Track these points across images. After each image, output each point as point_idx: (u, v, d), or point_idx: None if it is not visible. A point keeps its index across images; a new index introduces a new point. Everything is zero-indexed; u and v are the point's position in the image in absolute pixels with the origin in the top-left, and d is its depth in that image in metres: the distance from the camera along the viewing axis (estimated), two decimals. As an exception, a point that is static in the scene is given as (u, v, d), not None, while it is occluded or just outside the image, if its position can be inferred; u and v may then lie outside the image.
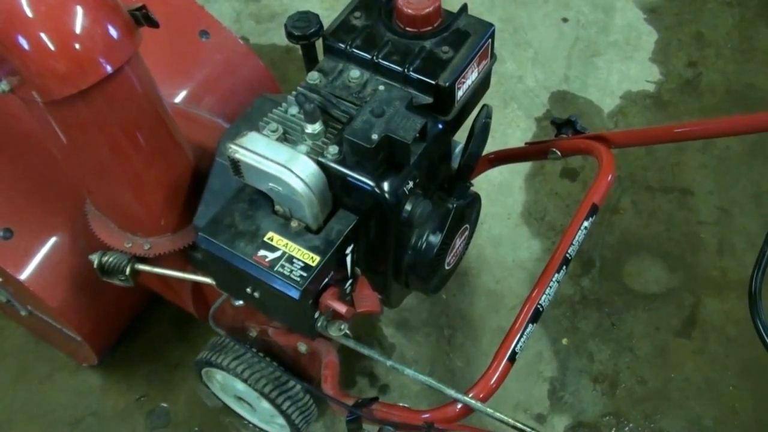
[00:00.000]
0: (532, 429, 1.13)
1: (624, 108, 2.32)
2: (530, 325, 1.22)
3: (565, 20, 2.54)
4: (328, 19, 1.22)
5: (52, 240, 1.53)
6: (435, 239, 1.24)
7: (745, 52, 2.44)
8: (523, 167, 2.20)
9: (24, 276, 1.49)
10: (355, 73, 1.20)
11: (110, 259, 1.38)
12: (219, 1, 2.62)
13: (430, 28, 1.20)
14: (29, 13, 1.04)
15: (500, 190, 2.16)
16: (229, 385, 1.60)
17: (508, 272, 2.02)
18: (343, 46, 1.21)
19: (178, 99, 1.70)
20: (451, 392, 1.16)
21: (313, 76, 1.20)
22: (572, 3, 2.58)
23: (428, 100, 1.17)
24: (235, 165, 1.12)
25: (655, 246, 2.05)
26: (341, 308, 1.11)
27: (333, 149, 1.12)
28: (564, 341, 1.91)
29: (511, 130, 2.28)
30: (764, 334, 1.08)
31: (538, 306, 1.24)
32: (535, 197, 2.15)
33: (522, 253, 2.05)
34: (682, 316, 1.94)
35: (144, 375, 1.87)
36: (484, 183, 2.13)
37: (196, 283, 1.44)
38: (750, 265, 1.18)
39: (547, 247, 2.05)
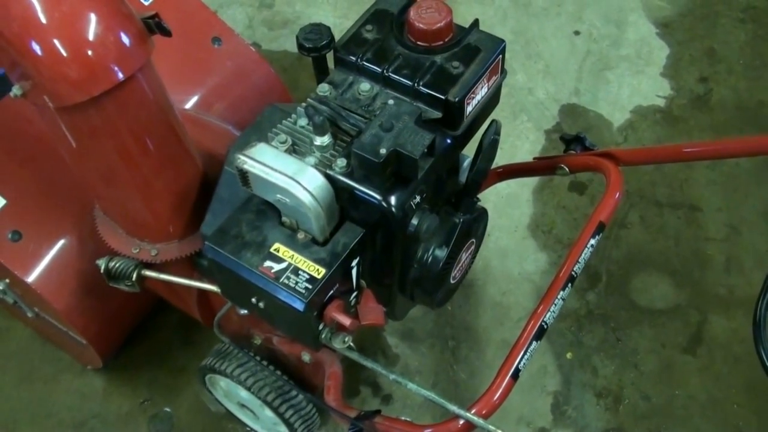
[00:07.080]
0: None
1: (634, 122, 2.32)
2: (534, 342, 1.22)
3: (577, 33, 2.54)
4: (340, 27, 1.22)
5: (60, 243, 1.53)
6: (441, 253, 1.24)
7: (757, 68, 2.43)
8: (531, 180, 2.19)
9: (31, 278, 1.49)
10: (365, 86, 1.19)
11: (117, 265, 1.38)
12: (232, 6, 2.63)
13: (441, 42, 1.20)
14: (43, 19, 1.05)
15: (508, 203, 2.15)
16: (232, 392, 1.61)
17: (514, 285, 2.02)
18: (353, 58, 1.21)
19: (188, 105, 1.71)
20: (454, 408, 1.16)
21: (323, 88, 1.20)
22: (585, 16, 2.58)
23: (437, 114, 1.17)
24: (244, 176, 1.12)
25: (663, 262, 2.05)
26: (345, 321, 1.11)
27: (341, 162, 1.12)
28: (568, 355, 1.90)
29: (520, 142, 2.28)
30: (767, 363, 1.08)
31: (543, 323, 1.24)
32: (542, 210, 2.15)
33: (528, 266, 2.05)
34: (688, 333, 1.93)
35: (148, 379, 1.88)
36: (491, 195, 2.12)
37: (201, 290, 1.45)
38: (757, 284, 1.18)
39: (553, 260, 2.05)
